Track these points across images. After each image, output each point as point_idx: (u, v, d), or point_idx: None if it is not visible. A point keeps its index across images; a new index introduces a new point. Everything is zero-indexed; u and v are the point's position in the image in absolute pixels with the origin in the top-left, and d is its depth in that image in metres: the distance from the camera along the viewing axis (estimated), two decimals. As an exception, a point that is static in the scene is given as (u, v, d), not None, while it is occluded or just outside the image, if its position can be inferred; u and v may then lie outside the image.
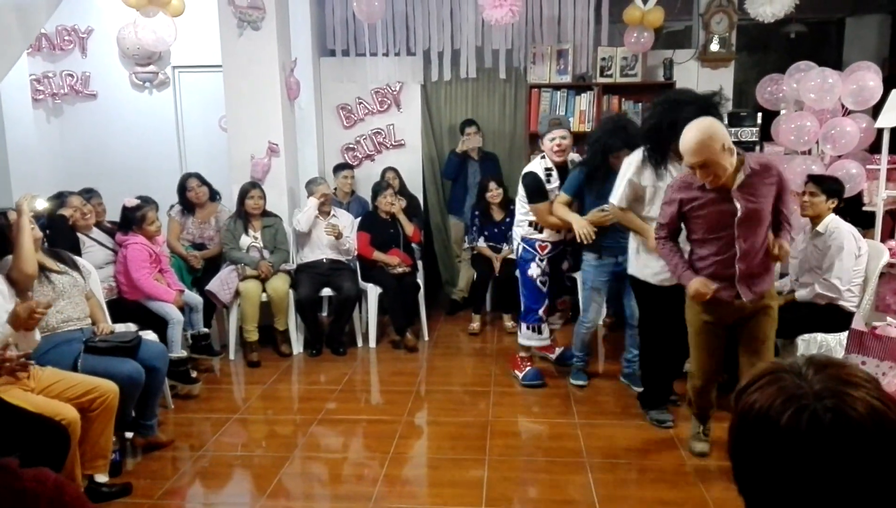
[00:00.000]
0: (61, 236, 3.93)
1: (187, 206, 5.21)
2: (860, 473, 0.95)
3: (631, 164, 3.57)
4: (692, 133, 2.80)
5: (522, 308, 4.37)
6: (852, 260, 3.75)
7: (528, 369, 4.37)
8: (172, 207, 5.30)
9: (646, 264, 3.62)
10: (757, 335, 3.07)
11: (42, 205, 3.59)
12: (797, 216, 4.27)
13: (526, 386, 4.30)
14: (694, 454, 3.36)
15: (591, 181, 4.00)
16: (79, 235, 4.19)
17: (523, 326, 4.35)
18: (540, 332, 4.30)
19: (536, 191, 4.14)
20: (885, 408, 0.97)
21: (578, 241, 3.95)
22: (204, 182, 5.21)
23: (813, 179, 3.97)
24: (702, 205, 3.00)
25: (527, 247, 4.27)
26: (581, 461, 3.33)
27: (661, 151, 3.45)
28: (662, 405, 3.76)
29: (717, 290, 3.02)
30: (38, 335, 3.02)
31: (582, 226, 3.90)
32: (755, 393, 1.03)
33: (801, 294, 3.89)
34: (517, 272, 4.44)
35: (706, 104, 3.28)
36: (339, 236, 5.06)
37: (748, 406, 1.03)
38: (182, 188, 5.20)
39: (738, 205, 2.91)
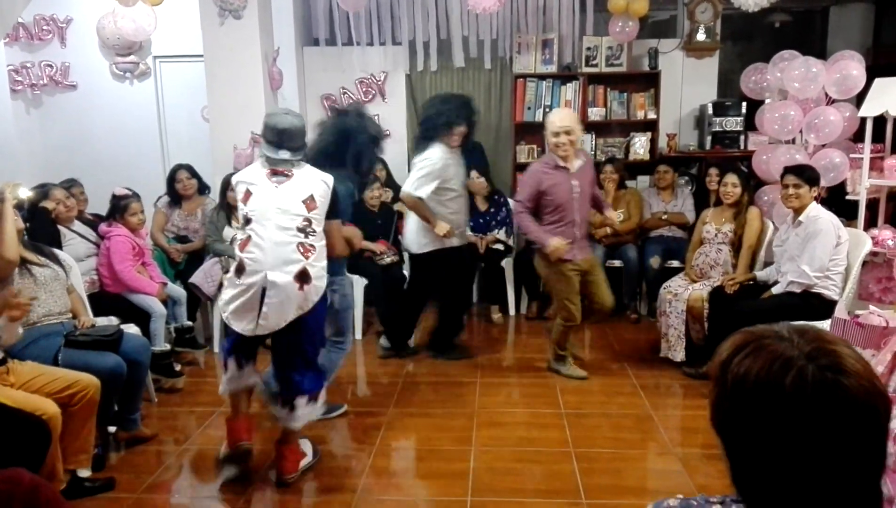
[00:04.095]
0: (42, 229, 3.88)
1: (175, 197, 5.16)
2: (857, 428, 0.96)
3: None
4: (564, 111, 4.46)
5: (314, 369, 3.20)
6: (827, 248, 3.75)
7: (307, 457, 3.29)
8: (160, 197, 5.25)
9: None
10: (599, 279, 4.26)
11: (25, 193, 3.54)
12: (780, 206, 4.29)
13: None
14: (579, 377, 4.23)
15: None
16: (60, 227, 4.13)
17: (305, 400, 3.10)
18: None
19: None
20: (871, 367, 1.00)
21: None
22: (194, 175, 5.16)
23: (792, 170, 3.96)
24: (554, 184, 4.01)
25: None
26: (567, 451, 3.34)
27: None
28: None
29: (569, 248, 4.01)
30: (20, 330, 2.98)
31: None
32: (745, 361, 1.01)
33: (777, 288, 3.91)
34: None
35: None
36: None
37: (742, 375, 1.01)
38: (171, 179, 5.15)
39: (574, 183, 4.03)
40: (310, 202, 3.00)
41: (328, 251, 3.10)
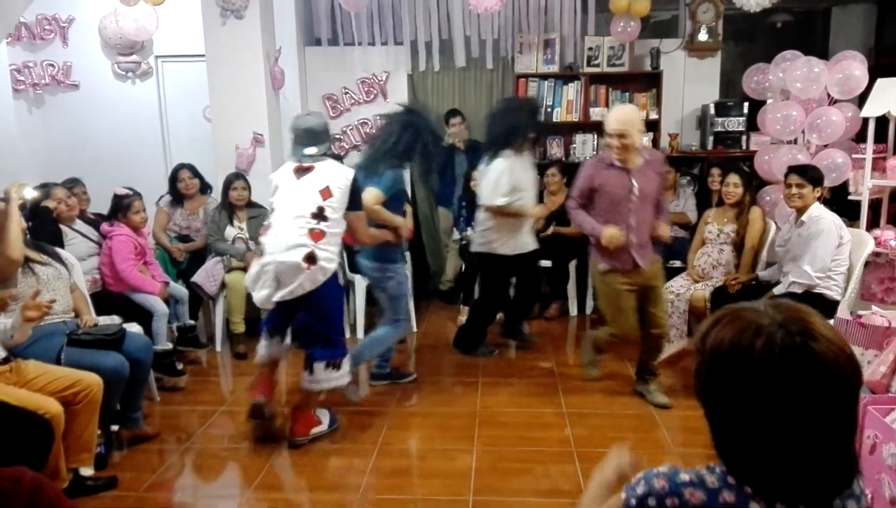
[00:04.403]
0: (44, 229, 3.88)
1: (177, 197, 5.16)
2: (827, 391, 1.02)
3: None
4: (622, 110, 3.74)
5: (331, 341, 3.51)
6: (829, 248, 3.75)
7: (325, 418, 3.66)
8: (162, 197, 5.25)
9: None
10: (657, 298, 3.82)
11: (31, 193, 3.56)
12: (782, 206, 4.29)
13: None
14: (594, 377, 4.09)
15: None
16: (62, 227, 4.14)
17: (323, 365, 3.45)
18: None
19: None
20: (840, 335, 1.06)
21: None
22: (196, 174, 5.16)
23: (796, 170, 3.96)
24: (605, 183, 3.69)
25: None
26: (569, 450, 3.34)
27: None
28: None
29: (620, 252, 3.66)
30: (30, 329, 2.98)
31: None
32: (722, 330, 1.08)
33: (779, 288, 3.90)
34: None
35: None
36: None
37: (717, 343, 1.07)
38: (173, 179, 5.15)
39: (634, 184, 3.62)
40: (325, 192, 3.34)
41: (354, 239, 3.56)
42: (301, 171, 3.41)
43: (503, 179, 4.30)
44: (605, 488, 1.35)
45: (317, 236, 3.29)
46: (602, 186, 3.70)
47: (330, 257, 3.30)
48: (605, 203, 3.71)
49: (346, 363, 3.50)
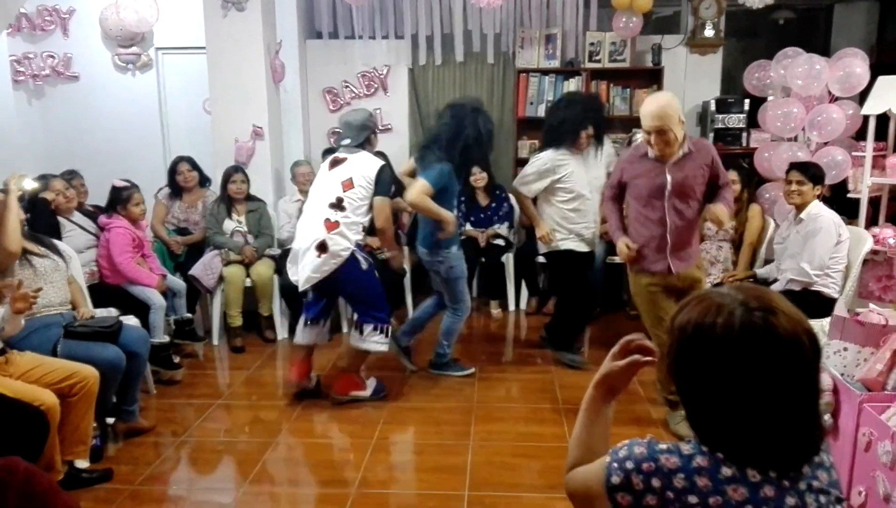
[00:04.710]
0: (42, 220, 3.88)
1: (175, 189, 5.16)
2: (787, 362, 1.10)
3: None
4: (656, 102, 3.17)
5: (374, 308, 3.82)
6: (827, 246, 3.74)
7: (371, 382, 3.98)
8: (161, 189, 5.24)
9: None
10: None
11: (31, 185, 3.55)
12: (782, 203, 4.28)
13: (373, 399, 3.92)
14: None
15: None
16: (60, 219, 4.13)
17: (371, 328, 3.78)
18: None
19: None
20: (799, 311, 1.13)
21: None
22: (195, 167, 5.15)
23: (797, 166, 3.95)
24: (637, 175, 3.35)
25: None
26: (565, 445, 3.32)
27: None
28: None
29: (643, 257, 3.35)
30: (22, 320, 2.98)
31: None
32: (687, 313, 1.16)
33: (776, 286, 3.89)
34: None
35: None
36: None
37: (683, 324, 1.16)
38: (172, 171, 5.14)
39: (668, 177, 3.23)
40: (347, 183, 3.64)
41: (376, 223, 3.72)
42: (336, 162, 3.74)
43: (530, 168, 4.26)
44: (590, 419, 1.42)
45: (331, 225, 3.59)
46: (633, 179, 3.38)
47: (342, 245, 3.58)
48: (637, 198, 3.38)
49: (390, 329, 3.84)
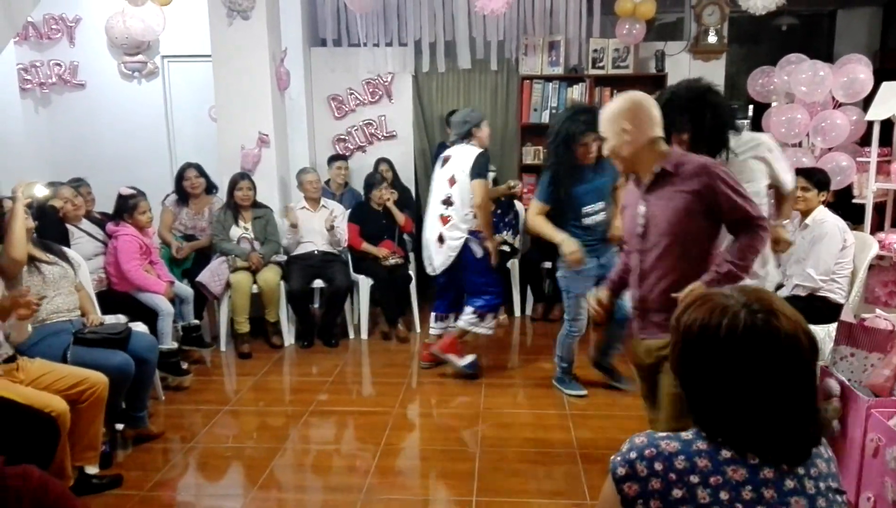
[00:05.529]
0: (50, 228, 3.90)
1: (182, 195, 5.18)
2: (787, 361, 1.16)
3: None
4: (609, 107, 2.37)
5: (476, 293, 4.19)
6: (832, 251, 3.75)
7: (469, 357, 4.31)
8: (168, 195, 5.27)
9: None
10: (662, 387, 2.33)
11: (42, 192, 3.57)
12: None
13: (463, 371, 4.28)
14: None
15: (560, 181, 3.68)
16: (68, 226, 4.16)
17: (471, 310, 4.19)
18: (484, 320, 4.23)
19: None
20: (799, 314, 1.19)
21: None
22: (202, 174, 5.17)
23: (802, 172, 3.96)
24: (625, 205, 2.55)
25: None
26: (571, 452, 3.35)
27: None
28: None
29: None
30: (29, 327, 3.01)
31: (572, 253, 3.61)
32: (692, 313, 1.22)
33: (782, 292, 3.90)
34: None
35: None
36: (332, 227, 5.06)
37: (689, 324, 1.22)
38: (179, 177, 5.17)
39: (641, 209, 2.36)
40: (451, 180, 4.08)
41: (474, 201, 4.00)
42: (444, 160, 4.18)
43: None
44: None
45: (445, 219, 4.10)
46: (623, 208, 2.59)
47: (456, 236, 4.07)
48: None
49: (489, 318, 4.20)
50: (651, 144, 2.29)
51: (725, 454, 1.17)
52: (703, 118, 2.51)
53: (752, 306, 1.17)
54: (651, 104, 2.32)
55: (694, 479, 1.16)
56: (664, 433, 1.23)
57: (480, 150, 4.06)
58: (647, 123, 2.28)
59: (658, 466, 1.18)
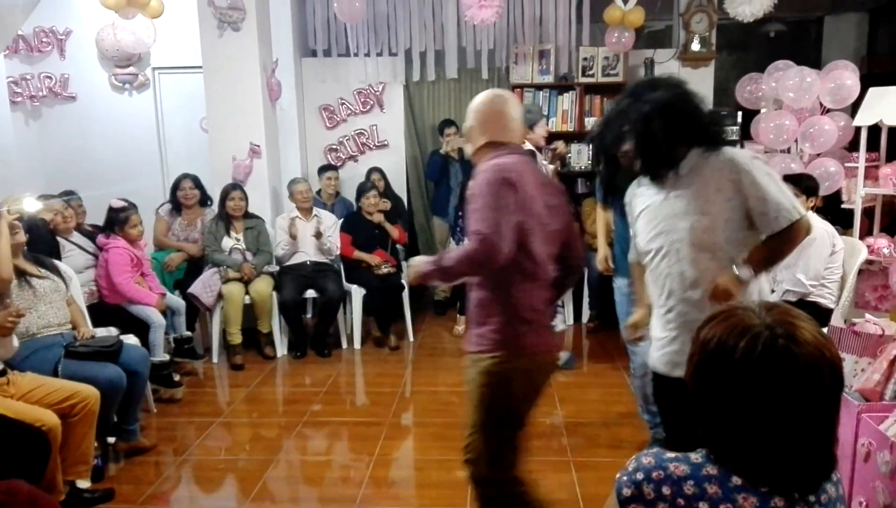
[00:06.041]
0: (40, 241, 3.88)
1: (176, 205, 5.18)
2: (806, 392, 1.09)
3: None
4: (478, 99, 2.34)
5: None
6: (821, 256, 3.77)
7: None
8: (162, 204, 5.28)
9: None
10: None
11: (35, 206, 3.56)
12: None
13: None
14: None
15: (611, 194, 3.42)
16: (59, 239, 4.15)
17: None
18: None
19: None
20: (825, 341, 1.12)
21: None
22: (198, 186, 5.18)
23: (790, 178, 3.98)
24: None
25: None
26: (566, 459, 3.35)
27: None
28: None
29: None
30: (15, 342, 2.99)
31: (600, 261, 3.85)
32: (714, 327, 1.16)
33: (772, 297, 3.91)
34: None
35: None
36: (318, 235, 5.06)
37: (707, 339, 1.15)
38: (175, 187, 5.18)
39: None
40: None
41: None
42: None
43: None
44: None
45: None
46: None
47: None
48: None
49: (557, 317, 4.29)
50: (486, 148, 2.27)
51: (736, 480, 1.13)
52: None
53: (775, 328, 1.10)
54: (503, 107, 2.25)
55: (703, 507, 1.12)
56: (672, 455, 1.19)
57: (531, 148, 3.95)
58: (489, 125, 2.24)
59: (666, 490, 1.14)
